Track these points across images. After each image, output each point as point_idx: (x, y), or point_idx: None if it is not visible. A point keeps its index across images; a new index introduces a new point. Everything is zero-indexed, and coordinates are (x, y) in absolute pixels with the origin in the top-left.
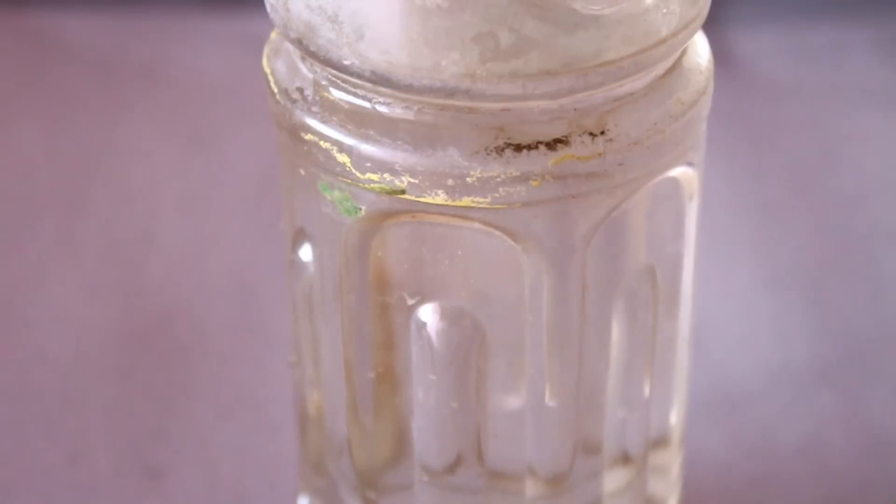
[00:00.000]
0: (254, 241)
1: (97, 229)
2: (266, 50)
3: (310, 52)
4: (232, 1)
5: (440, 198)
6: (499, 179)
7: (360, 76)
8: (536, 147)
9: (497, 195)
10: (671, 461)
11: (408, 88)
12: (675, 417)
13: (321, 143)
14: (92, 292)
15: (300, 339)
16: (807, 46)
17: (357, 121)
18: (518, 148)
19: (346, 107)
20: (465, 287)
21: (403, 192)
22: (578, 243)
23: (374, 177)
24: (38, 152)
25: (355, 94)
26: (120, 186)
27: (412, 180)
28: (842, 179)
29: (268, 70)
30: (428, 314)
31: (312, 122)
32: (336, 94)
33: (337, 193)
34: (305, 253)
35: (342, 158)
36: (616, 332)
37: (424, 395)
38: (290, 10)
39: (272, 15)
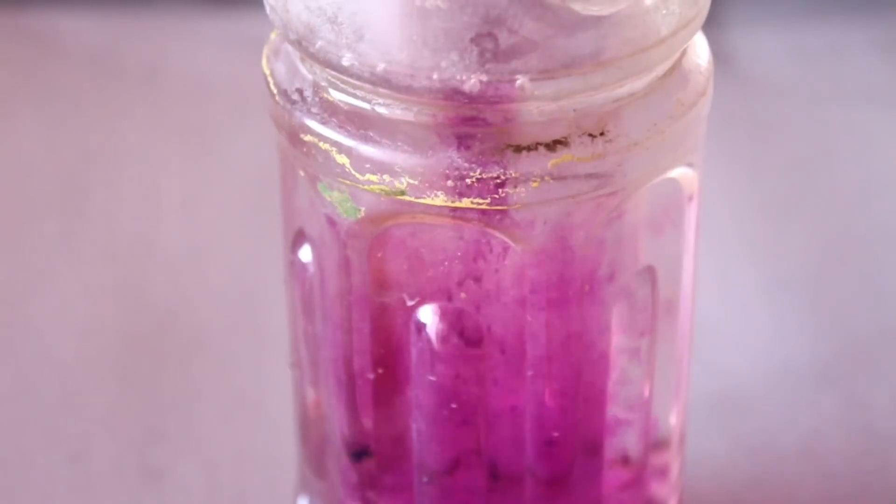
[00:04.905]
0: (254, 242)
1: (97, 229)
2: (265, 51)
3: (309, 54)
4: (232, 1)
5: (440, 199)
6: (498, 181)
7: (359, 77)
8: (536, 148)
9: (497, 196)
10: (671, 462)
11: (407, 90)
12: (674, 418)
13: (320, 144)
14: (92, 292)
15: (300, 339)
16: (807, 46)
17: (357, 122)
18: (517, 149)
19: (346, 108)
20: (465, 288)
21: (403, 193)
22: (578, 244)
23: (374, 178)
24: (38, 152)
25: (355, 96)
26: (120, 186)
27: (412, 181)
28: (842, 179)
29: (267, 71)
30: (427, 315)
31: (312, 124)
32: (335, 95)
33: (336, 194)
34: (305, 254)
35: (341, 160)
36: (616, 331)
37: (424, 395)
38: (289, 11)
39: (272, 16)
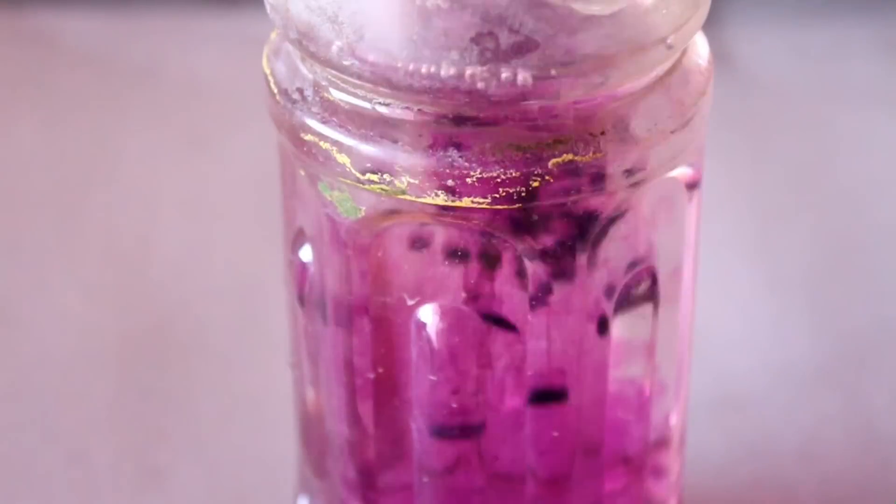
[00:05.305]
0: (254, 242)
1: (97, 230)
2: (266, 50)
3: (310, 53)
4: (232, 1)
5: (440, 198)
6: (499, 180)
7: (360, 77)
8: (536, 147)
9: (497, 196)
10: (671, 462)
11: (408, 89)
12: (675, 418)
13: (321, 143)
14: (92, 292)
15: (300, 339)
16: (807, 46)
17: (357, 121)
18: (518, 148)
19: (347, 107)
20: (465, 287)
21: (403, 192)
22: (578, 244)
23: (374, 177)
24: (38, 153)
25: (355, 95)
26: (119, 186)
27: (412, 181)
28: (842, 179)
29: (267, 71)
30: (428, 315)
31: (312, 123)
32: (336, 94)
33: (337, 194)
34: (305, 254)
35: (342, 159)
36: (616, 332)
37: (424, 395)
38: (290, 10)
39: (272, 15)
